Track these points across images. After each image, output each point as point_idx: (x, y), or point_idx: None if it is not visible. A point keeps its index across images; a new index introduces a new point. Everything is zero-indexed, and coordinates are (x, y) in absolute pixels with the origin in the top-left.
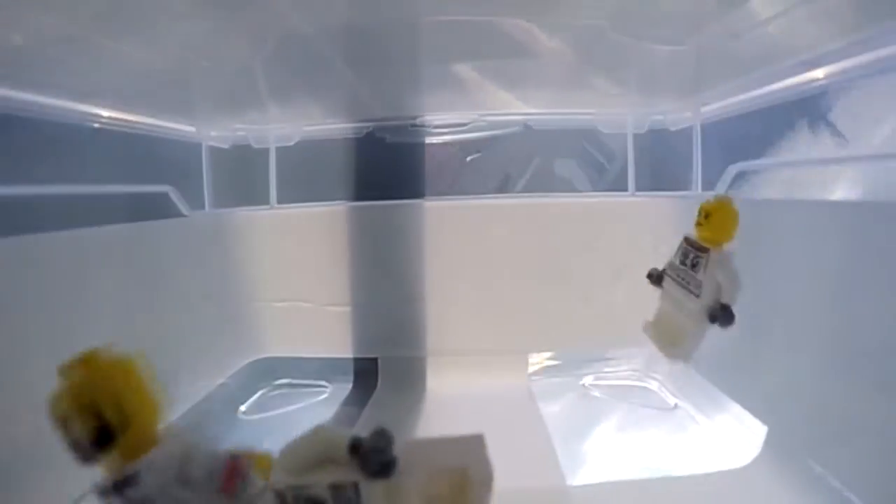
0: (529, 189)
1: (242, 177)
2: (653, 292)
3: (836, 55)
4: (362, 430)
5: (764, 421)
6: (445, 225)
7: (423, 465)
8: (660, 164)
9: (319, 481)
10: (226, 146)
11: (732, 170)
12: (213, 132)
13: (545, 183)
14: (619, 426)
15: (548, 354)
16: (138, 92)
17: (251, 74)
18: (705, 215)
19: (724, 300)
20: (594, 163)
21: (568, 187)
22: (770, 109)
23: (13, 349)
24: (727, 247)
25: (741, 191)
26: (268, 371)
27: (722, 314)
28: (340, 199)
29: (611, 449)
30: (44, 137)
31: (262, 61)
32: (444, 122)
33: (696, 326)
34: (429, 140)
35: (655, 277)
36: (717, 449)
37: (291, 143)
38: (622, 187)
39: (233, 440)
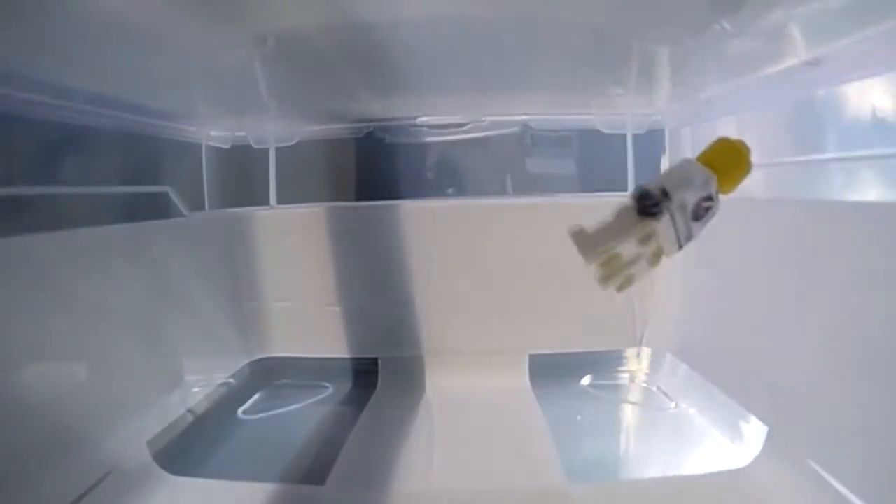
0: (516, 186)
1: (242, 177)
2: (653, 292)
3: (837, 55)
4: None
5: (764, 421)
6: (446, 225)
7: None
8: (658, 165)
9: None
10: (226, 146)
11: None
12: (213, 132)
13: (525, 177)
14: (619, 426)
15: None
16: (138, 92)
17: (251, 74)
18: (710, 146)
19: (664, 182)
20: (555, 136)
21: (547, 175)
22: (769, 109)
23: (11, 350)
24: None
25: (740, 191)
26: (268, 371)
27: (655, 190)
28: (340, 199)
29: (611, 449)
30: (44, 138)
31: (262, 61)
32: (444, 123)
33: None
34: (429, 139)
35: None
36: (717, 449)
37: (291, 143)
38: (620, 184)
39: (233, 440)
